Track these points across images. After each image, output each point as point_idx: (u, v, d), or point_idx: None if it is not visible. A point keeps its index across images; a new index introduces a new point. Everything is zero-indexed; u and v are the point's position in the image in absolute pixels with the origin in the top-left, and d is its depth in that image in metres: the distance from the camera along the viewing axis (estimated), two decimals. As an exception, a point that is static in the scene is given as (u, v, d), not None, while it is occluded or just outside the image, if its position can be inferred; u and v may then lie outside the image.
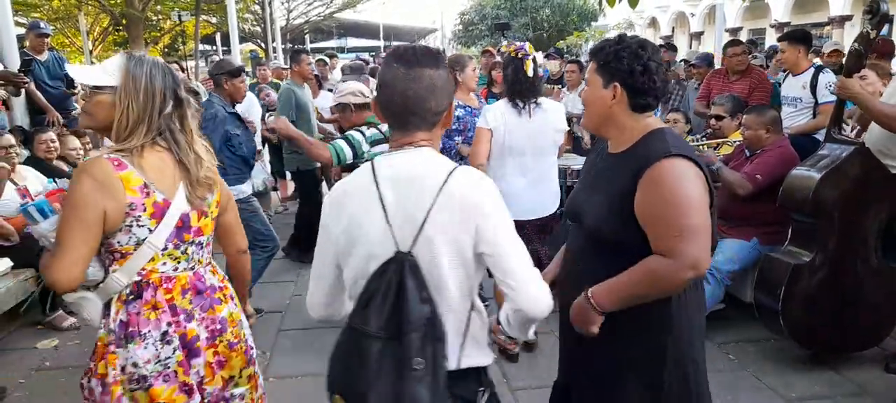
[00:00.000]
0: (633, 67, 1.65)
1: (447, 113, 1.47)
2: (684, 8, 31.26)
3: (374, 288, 1.38)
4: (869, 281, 3.15)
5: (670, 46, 7.76)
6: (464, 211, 1.37)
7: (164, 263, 1.70)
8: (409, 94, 1.40)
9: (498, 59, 6.66)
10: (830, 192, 3.05)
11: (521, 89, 3.20)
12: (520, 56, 3.19)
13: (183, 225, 1.70)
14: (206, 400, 1.75)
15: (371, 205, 1.42)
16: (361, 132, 3.28)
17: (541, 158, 3.29)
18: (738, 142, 3.93)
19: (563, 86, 6.47)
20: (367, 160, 3.15)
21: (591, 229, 1.77)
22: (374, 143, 3.26)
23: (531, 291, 1.41)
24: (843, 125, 3.37)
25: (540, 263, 3.33)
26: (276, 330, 3.94)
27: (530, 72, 3.18)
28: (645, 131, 1.71)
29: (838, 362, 3.26)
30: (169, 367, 1.67)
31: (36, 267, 3.71)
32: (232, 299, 1.87)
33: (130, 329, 1.64)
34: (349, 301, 1.53)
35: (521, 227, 3.28)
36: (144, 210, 1.62)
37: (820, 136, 3.81)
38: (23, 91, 5.29)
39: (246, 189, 3.84)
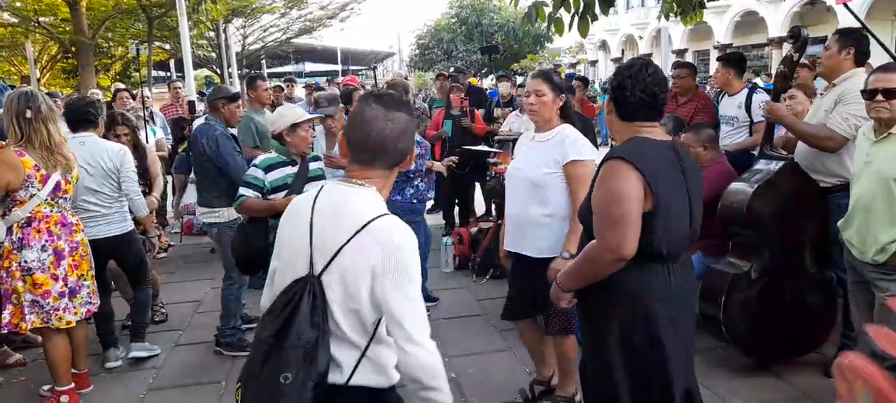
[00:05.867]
0: (614, 84, 2.03)
1: (409, 156, 1.62)
2: (633, 31, 32.38)
3: (279, 301, 1.52)
4: (805, 290, 3.32)
5: (581, 78, 8.37)
6: (363, 262, 1.46)
7: (44, 208, 3.04)
8: (386, 133, 1.53)
9: (458, 83, 6.82)
10: (764, 205, 3.22)
11: None
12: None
13: (56, 188, 3.04)
14: (67, 286, 3.11)
15: (304, 225, 1.56)
16: (254, 165, 3.28)
17: (530, 191, 2.79)
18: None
19: (513, 109, 6.58)
20: (269, 190, 3.23)
21: (582, 221, 2.09)
22: (268, 168, 3.26)
23: (422, 357, 1.47)
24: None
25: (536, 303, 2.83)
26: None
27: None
28: (625, 137, 2.00)
29: (781, 368, 3.40)
30: (44, 264, 3.04)
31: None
32: (82, 232, 3.22)
33: (24, 241, 3.01)
34: None
35: (518, 260, 2.89)
36: (35, 178, 2.97)
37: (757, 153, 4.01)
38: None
39: (231, 212, 3.78)
